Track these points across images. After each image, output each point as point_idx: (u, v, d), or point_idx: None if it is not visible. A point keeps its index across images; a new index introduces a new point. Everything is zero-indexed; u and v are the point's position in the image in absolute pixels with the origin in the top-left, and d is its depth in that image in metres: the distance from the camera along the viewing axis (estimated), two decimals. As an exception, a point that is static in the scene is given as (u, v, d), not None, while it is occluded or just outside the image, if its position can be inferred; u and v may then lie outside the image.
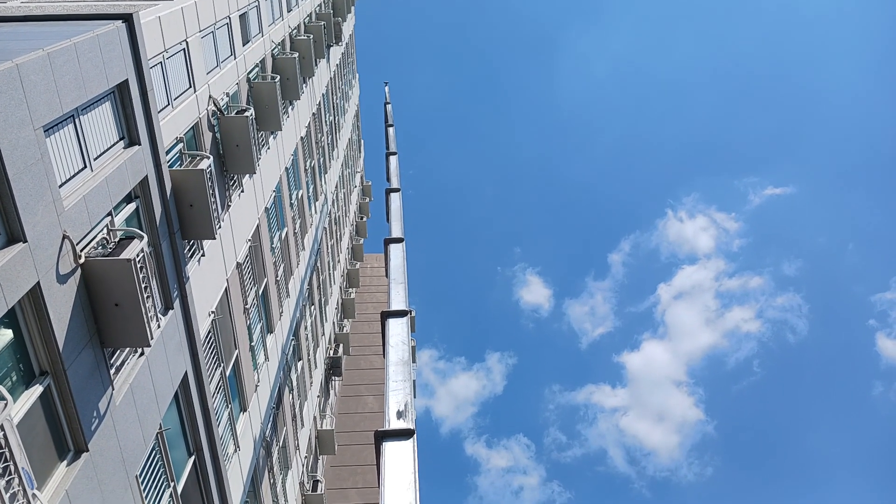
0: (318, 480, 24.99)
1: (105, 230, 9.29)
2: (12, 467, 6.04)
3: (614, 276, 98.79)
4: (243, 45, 17.21)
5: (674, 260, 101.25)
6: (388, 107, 31.71)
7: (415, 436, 11.68)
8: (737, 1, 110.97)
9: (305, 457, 24.72)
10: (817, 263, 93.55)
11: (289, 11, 22.80)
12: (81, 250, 8.55)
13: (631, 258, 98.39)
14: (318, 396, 28.04)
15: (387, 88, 34.18)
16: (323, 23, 26.90)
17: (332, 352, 32.14)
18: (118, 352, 9.57)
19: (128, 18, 10.20)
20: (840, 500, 78.14)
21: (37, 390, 7.64)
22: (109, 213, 9.45)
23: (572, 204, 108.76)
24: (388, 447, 11.19)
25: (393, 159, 25.89)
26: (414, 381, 36.80)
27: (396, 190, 23.40)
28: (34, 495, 6.50)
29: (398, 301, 17.22)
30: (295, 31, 23.84)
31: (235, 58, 16.42)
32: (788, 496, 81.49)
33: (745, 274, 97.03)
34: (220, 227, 13.94)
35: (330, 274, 32.33)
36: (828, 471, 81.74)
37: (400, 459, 11.02)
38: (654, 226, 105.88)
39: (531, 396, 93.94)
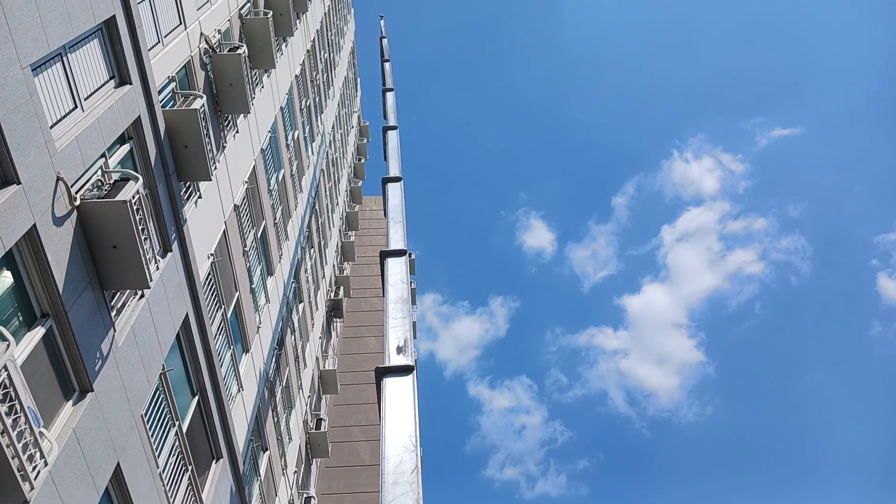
0: (321, 419, 25.51)
1: (99, 172, 9.18)
2: (18, 406, 6.11)
3: (618, 219, 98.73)
4: (234, -20, 16.66)
5: (678, 202, 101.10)
6: (384, 41, 31.03)
7: (415, 371, 11.85)
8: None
9: (309, 396, 25.17)
10: (822, 205, 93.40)
11: (280, -56, 22.02)
12: (76, 192, 8.46)
13: (635, 201, 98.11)
14: (320, 338, 28.36)
15: (382, 22, 33.38)
16: (315, -44, 26.03)
17: (332, 294, 32.36)
18: (118, 294, 9.59)
19: (112, -49, 9.82)
20: (837, 437, 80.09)
21: (39, 332, 7.68)
22: (103, 155, 9.32)
23: (577, 146, 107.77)
24: (389, 383, 11.34)
25: (390, 95, 25.46)
26: (414, 322, 37.15)
27: (394, 128, 23.08)
28: (41, 433, 6.60)
29: (397, 240, 17.21)
30: (287, -35, 23.08)
31: (226, -7, 15.93)
32: (787, 434, 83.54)
33: (750, 216, 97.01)
34: (215, 168, 13.80)
35: (329, 217, 32.25)
36: (826, 408, 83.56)
37: (400, 394, 11.19)
38: (660, 167, 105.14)
39: (533, 339, 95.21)
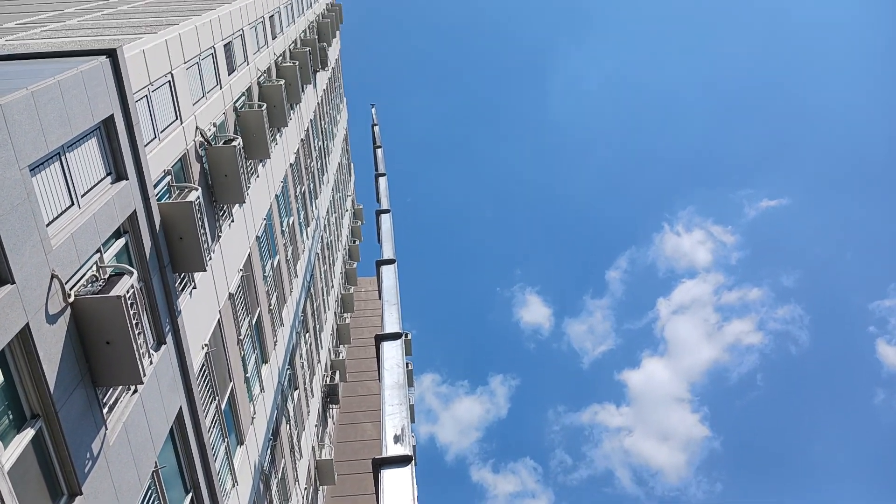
0: (318, 510, 24.63)
1: (94, 267, 9.17)
2: (3, 517, 5.88)
3: (613, 293, 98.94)
4: (229, 74, 17.21)
5: (672, 275, 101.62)
6: (376, 128, 31.79)
7: (413, 461, 11.53)
8: (727, 13, 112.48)
9: (305, 488, 24.37)
10: (816, 273, 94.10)
11: (273, 39, 22.87)
12: (71, 289, 8.42)
13: (629, 275, 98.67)
14: (316, 426, 27.73)
15: (374, 110, 34.30)
16: (308, 49, 26.99)
17: (328, 379, 31.87)
18: (111, 390, 9.40)
19: (112, 54, 10.16)
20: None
21: (28, 434, 7.47)
22: (98, 250, 9.33)
23: (568, 222, 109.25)
24: (387, 475, 11.04)
25: (382, 180, 25.90)
26: (412, 405, 36.49)
27: (386, 211, 23.36)
28: (27, 544, 6.32)
29: (392, 323, 17.12)
30: (280, 58, 23.90)
31: (221, 87, 16.41)
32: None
33: (745, 286, 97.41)
34: (210, 258, 13.82)
35: (324, 300, 32.15)
36: (834, 479, 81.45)
37: (399, 487, 10.86)
38: (651, 240, 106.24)
39: (536, 418, 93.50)
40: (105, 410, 9.14)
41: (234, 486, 14.90)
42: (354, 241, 46.99)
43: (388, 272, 20.42)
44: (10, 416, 7.37)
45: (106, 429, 9.02)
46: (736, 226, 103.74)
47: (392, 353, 15.59)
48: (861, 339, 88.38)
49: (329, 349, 33.43)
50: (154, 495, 10.62)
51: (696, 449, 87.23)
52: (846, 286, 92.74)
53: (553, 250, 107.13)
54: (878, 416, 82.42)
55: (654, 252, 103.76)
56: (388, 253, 21.42)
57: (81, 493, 8.23)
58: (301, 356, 24.83)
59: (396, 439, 12.34)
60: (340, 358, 34.93)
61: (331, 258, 35.88)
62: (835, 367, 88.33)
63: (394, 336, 16.20)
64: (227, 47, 17.24)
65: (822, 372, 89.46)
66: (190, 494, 12.19)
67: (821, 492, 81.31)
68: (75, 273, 8.63)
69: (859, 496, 77.60)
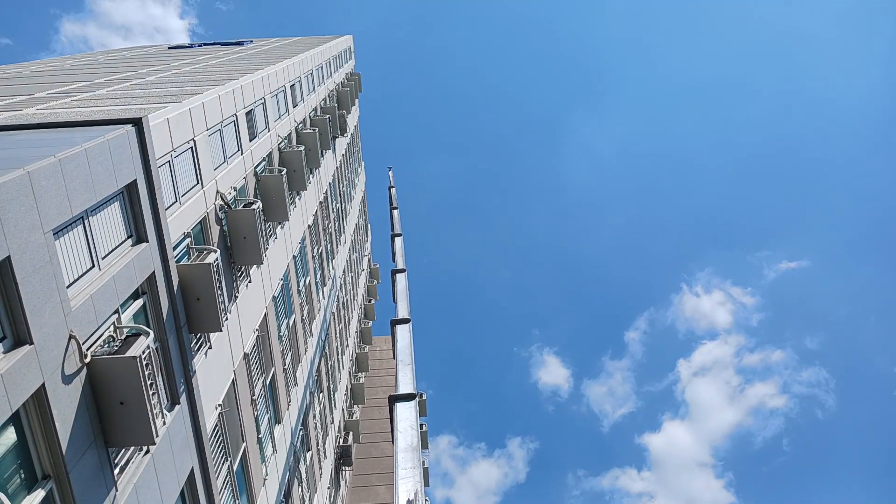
0: (329, 577, 24.04)
1: (112, 327, 9.37)
2: (10, 579, 5.90)
3: (632, 354, 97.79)
4: (250, 140, 17.76)
5: (692, 336, 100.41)
6: (393, 190, 32.35)
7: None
8: (739, 76, 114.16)
9: (316, 552, 23.87)
10: (839, 336, 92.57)
11: (294, 107, 23.62)
12: (88, 349, 8.59)
13: (648, 336, 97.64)
14: (329, 488, 27.33)
15: (391, 173, 34.97)
16: (328, 116, 27.79)
17: (341, 440, 31.54)
18: (123, 451, 9.46)
19: (137, 122, 10.61)
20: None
21: (39, 495, 7.53)
22: (116, 311, 9.55)
23: (586, 283, 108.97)
24: (400, 543, 10.89)
25: (398, 240, 26.23)
26: (426, 467, 35.87)
27: (402, 270, 23.58)
28: None
29: (406, 383, 17.08)
30: (301, 125, 24.62)
31: (242, 153, 16.92)
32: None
33: (767, 348, 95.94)
34: (227, 318, 14.00)
35: (339, 359, 32.12)
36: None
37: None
38: (670, 301, 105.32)
39: (555, 483, 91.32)
40: (116, 471, 9.18)
41: (243, 550, 14.69)
42: (370, 301, 47.14)
43: (403, 332, 20.47)
44: (22, 476, 7.45)
45: (116, 490, 9.05)
46: (756, 287, 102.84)
47: (406, 414, 15.50)
48: (887, 402, 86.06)
49: (343, 409, 33.19)
50: (162, 559, 10.52)
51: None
52: (871, 349, 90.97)
53: (571, 311, 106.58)
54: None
55: (674, 313, 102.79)
56: (403, 312, 21.52)
57: (89, 556, 8.20)
58: (314, 416, 24.69)
59: (409, 504, 12.20)
60: (354, 418, 34.63)
61: (346, 317, 35.99)
62: (861, 431, 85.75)
63: (408, 397, 16.14)
64: (249, 115, 17.85)
65: (848, 436, 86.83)
66: (198, 559, 12.05)
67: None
68: (93, 333, 8.82)
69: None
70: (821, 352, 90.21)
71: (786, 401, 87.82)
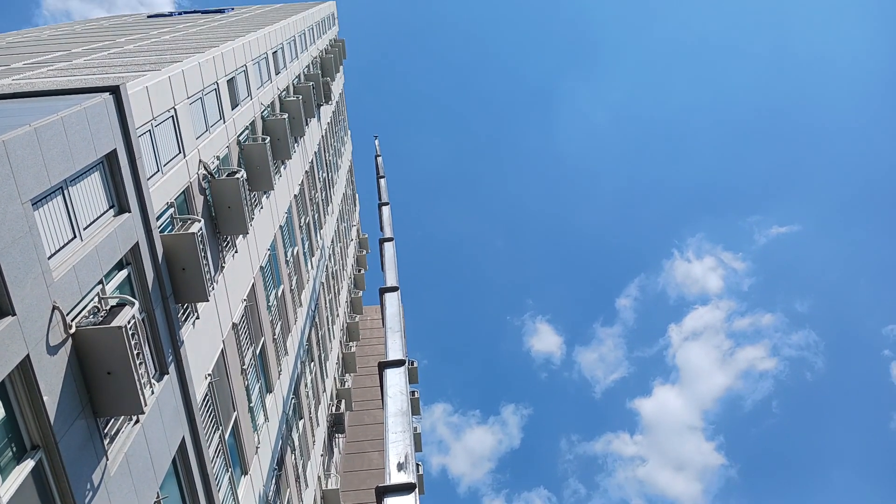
0: (325, 542, 24.42)
1: (96, 298, 9.31)
2: (1, 547, 5.93)
3: (624, 321, 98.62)
4: (232, 108, 17.53)
5: (683, 301, 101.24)
6: (379, 159, 32.12)
7: (416, 490, 11.50)
8: (732, 41, 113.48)
9: (311, 518, 24.20)
10: (829, 299, 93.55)
11: (277, 74, 23.28)
12: (72, 320, 8.55)
13: (639, 302, 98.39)
14: (322, 455, 27.60)
15: (377, 142, 34.70)
16: (312, 83, 27.42)
17: (334, 408, 31.78)
18: (112, 420, 9.48)
19: (115, 90, 10.42)
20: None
21: (28, 465, 7.55)
22: (100, 282, 9.48)
23: (578, 251, 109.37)
24: (390, 503, 11.03)
25: (385, 209, 26.12)
26: (419, 433, 36.26)
27: (390, 239, 23.52)
28: (25, 574, 6.36)
29: (395, 350, 17.16)
30: (284, 92, 24.30)
31: (225, 121, 16.71)
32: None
33: (757, 312, 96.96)
34: (213, 288, 13.96)
35: (329, 329, 32.20)
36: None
37: (402, 515, 10.84)
38: (661, 267, 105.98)
39: (549, 448, 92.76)
40: (106, 441, 9.21)
41: (237, 517, 14.86)
42: (360, 271, 47.14)
43: (392, 300, 20.50)
44: (11, 448, 7.46)
45: (107, 459, 9.08)
46: (747, 252, 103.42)
47: (395, 380, 15.61)
48: (876, 363, 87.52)
49: (335, 378, 33.38)
50: (155, 526, 10.63)
51: (712, 478, 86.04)
52: (860, 311, 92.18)
53: (563, 279, 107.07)
54: (895, 440, 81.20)
55: (665, 279, 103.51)
56: (391, 281, 21.53)
57: (81, 524, 8.26)
58: (306, 385, 24.82)
59: (400, 467, 12.32)
60: (346, 387, 34.87)
61: (336, 287, 36.00)
62: (850, 392, 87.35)
63: (397, 363, 16.23)
64: (231, 83, 17.58)
65: (837, 397, 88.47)
66: (192, 526, 12.18)
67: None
68: (77, 304, 8.77)
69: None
70: (811, 315, 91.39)
71: (775, 363, 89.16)
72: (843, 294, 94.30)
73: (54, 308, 8.07)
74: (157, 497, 10.59)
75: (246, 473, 15.90)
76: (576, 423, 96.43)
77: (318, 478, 26.33)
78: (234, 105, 17.78)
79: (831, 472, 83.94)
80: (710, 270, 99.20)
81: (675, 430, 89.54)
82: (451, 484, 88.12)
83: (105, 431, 9.25)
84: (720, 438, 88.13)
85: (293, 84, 26.05)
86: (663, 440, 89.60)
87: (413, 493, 11.32)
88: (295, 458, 21.77)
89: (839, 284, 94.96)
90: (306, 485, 23.52)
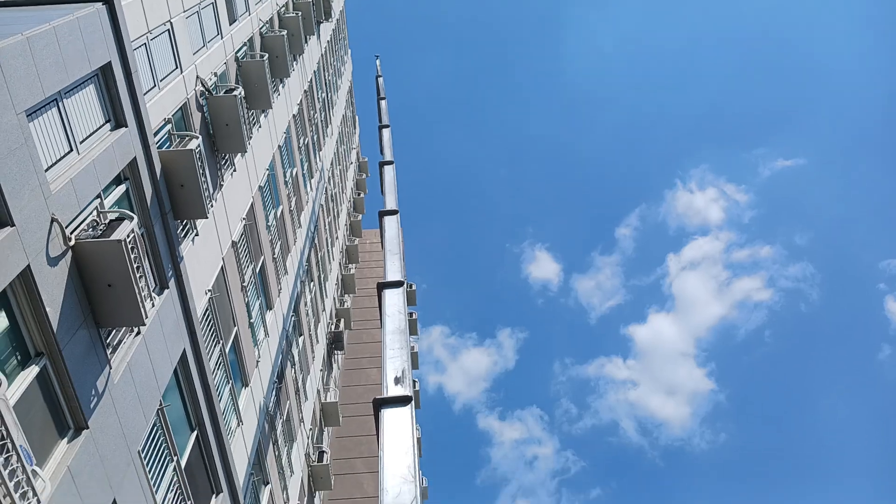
0: (323, 451, 25.42)
1: (95, 212, 9.41)
2: (10, 445, 6.23)
3: (623, 249, 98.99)
4: (230, 24, 17.15)
5: (683, 232, 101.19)
6: (380, 80, 31.55)
7: (412, 402, 11.93)
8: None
9: (310, 429, 25.12)
10: (829, 232, 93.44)
11: (275, -13, 22.64)
12: (71, 233, 8.67)
13: (639, 232, 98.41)
14: (321, 370, 28.38)
15: (378, 62, 33.99)
16: (311, -2, 26.66)
17: (333, 327, 32.44)
18: (114, 331, 9.75)
19: (108, 1, 10.20)
20: (849, 461, 79.08)
21: (33, 371, 7.83)
22: (98, 196, 9.56)
23: (581, 179, 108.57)
24: (387, 414, 11.41)
25: (385, 132, 25.86)
26: (415, 352, 37.12)
27: (390, 162, 23.40)
28: (34, 472, 6.71)
29: (394, 272, 17.35)
30: (283, 8, 23.68)
31: (222, 37, 16.39)
32: (801, 461, 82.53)
33: (756, 244, 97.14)
34: (212, 206, 14.06)
35: (328, 250, 32.49)
36: (839, 433, 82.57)
37: (398, 425, 11.22)
38: (663, 197, 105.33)
39: (543, 370, 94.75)
40: (109, 351, 9.50)
41: (238, 425, 15.44)
42: (359, 194, 47.11)
43: (391, 223, 20.60)
44: (15, 355, 7.72)
45: (110, 368, 9.40)
46: (750, 185, 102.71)
47: (394, 300, 15.86)
48: (871, 296, 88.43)
49: (334, 298, 33.92)
50: (159, 432, 11.08)
51: (701, 402, 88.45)
52: (859, 245, 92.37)
53: (564, 207, 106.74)
54: (884, 371, 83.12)
55: (666, 209, 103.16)
56: (390, 204, 21.58)
57: (87, 428, 8.63)
58: (306, 304, 25.27)
59: (397, 381, 12.68)
60: (345, 307, 35.48)
61: (335, 210, 36.09)
62: (843, 324, 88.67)
63: (396, 284, 16.48)
64: (227, -5, 17.13)
65: (830, 328, 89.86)
66: (195, 432, 12.68)
67: (825, 442, 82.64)
68: (75, 217, 8.87)
69: (862, 448, 78.84)
70: (809, 248, 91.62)
71: (771, 294, 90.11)
72: (844, 228, 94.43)
73: (53, 220, 8.18)
74: (160, 405, 11.00)
75: (246, 385, 16.43)
76: (570, 348, 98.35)
77: (318, 391, 27.18)
78: (232, 20, 17.39)
79: (817, 399, 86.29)
80: (711, 202, 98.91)
81: (667, 356, 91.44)
82: (446, 401, 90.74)
83: (107, 342, 9.53)
84: (711, 365, 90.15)
85: (292, 0, 25.36)
86: (655, 365, 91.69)
87: (409, 405, 11.70)
88: (295, 373, 22.41)
89: (840, 219, 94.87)
90: (306, 397, 24.30)
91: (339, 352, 33.32)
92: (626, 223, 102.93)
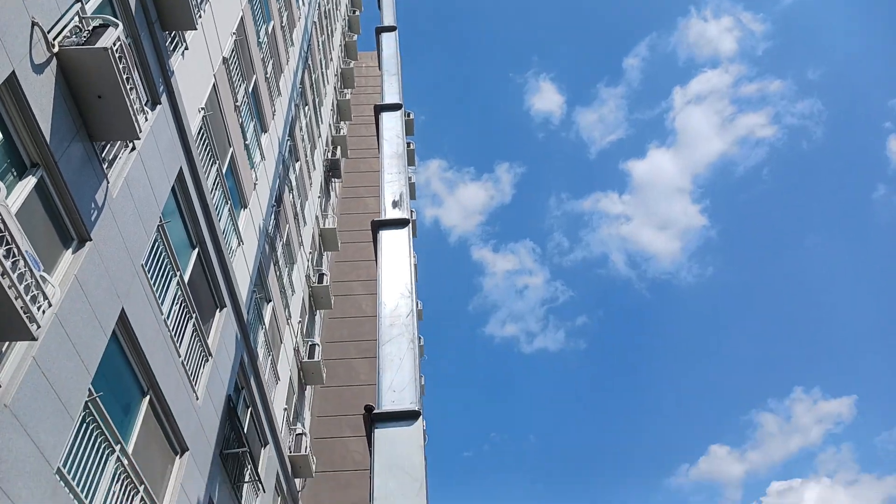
0: (323, 274, 26.24)
1: (77, 18, 8.86)
2: (15, 250, 6.29)
3: (629, 81, 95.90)
4: None
5: (692, 64, 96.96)
6: None
7: (410, 224, 12.04)
8: None
9: (310, 252, 25.74)
10: (842, 68, 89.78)
11: None
12: (54, 38, 8.21)
13: (646, 63, 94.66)
14: (319, 197, 28.54)
15: None
16: None
17: (329, 154, 32.17)
18: (109, 146, 9.58)
19: None
20: (837, 299, 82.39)
21: (30, 181, 7.75)
22: (79, 0, 8.95)
23: (591, 3, 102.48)
24: (385, 235, 11.62)
25: (382, -56, 23.97)
26: (413, 182, 37.15)
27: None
28: (42, 277, 6.84)
29: (392, 93, 16.91)
30: None
31: None
32: (787, 296, 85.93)
33: (767, 78, 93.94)
34: (201, 17, 13.30)
35: (323, 73, 31.39)
36: (826, 270, 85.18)
37: (396, 246, 11.47)
38: (676, 25, 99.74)
39: (538, 204, 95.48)
40: (105, 165, 9.38)
41: (239, 245, 15.73)
42: (354, 12, 44.70)
43: (389, 40, 19.63)
44: (11, 167, 7.59)
45: (108, 182, 9.33)
46: (768, 13, 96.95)
47: (392, 123, 15.53)
48: (875, 135, 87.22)
49: (330, 124, 33.32)
50: (161, 247, 11.27)
51: (692, 237, 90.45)
52: (871, 82, 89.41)
53: (572, 35, 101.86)
54: (876, 210, 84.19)
55: (677, 38, 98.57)
56: (388, 20, 20.45)
57: (91, 240, 8.73)
58: (301, 129, 24.84)
59: (395, 204, 12.76)
60: (341, 134, 34.96)
61: (329, 28, 34.40)
62: (843, 163, 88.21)
63: (394, 107, 16.05)
64: None
65: (829, 166, 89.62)
66: (196, 249, 12.93)
67: (812, 275, 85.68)
68: (56, 22, 8.36)
69: (849, 281, 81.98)
70: (820, 83, 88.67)
71: (775, 131, 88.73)
72: (857, 65, 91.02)
73: (34, 24, 7.70)
74: (160, 220, 11.08)
75: (245, 207, 16.54)
76: (567, 183, 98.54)
77: (316, 217, 27.52)
78: None
79: (806, 237, 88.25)
80: (725, 31, 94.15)
81: (663, 191, 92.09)
82: (442, 234, 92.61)
83: (103, 157, 9.38)
84: (706, 202, 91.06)
85: None
86: (650, 201, 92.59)
87: (407, 228, 11.85)
88: (293, 198, 22.52)
89: (856, 55, 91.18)
90: (304, 222, 24.64)
91: (336, 180, 33.31)
92: (634, 53, 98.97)
